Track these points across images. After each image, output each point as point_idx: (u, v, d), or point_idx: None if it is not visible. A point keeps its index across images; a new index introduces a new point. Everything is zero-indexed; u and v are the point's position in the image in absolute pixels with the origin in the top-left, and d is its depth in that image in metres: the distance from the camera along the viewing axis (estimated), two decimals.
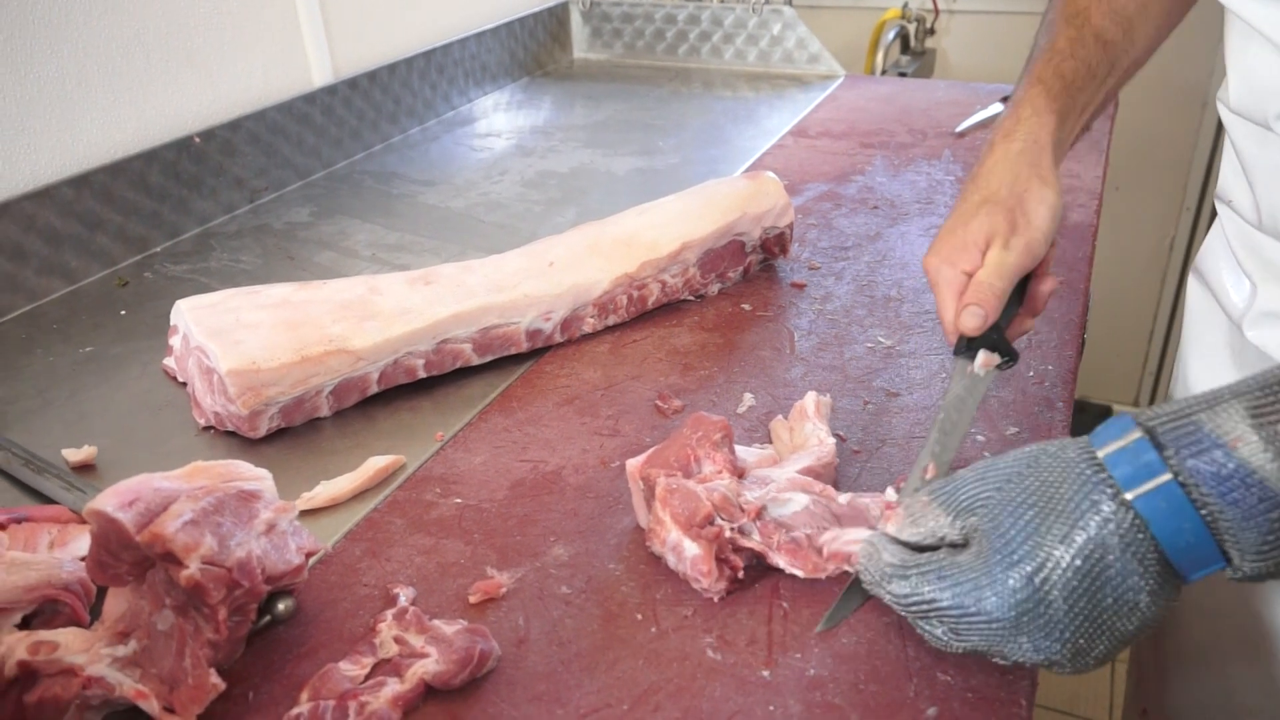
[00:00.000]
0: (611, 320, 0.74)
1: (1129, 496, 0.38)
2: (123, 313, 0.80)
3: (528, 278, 0.71)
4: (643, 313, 0.75)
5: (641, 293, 0.74)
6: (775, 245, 0.80)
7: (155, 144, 0.91)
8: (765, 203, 0.78)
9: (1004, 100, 1.19)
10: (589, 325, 0.73)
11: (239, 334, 0.62)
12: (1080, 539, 0.39)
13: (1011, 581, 0.40)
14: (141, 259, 0.89)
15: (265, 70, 1.03)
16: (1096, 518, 0.39)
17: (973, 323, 0.53)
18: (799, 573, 0.48)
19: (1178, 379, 0.74)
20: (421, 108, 1.22)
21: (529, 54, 1.41)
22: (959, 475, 0.45)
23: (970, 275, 0.55)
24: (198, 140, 0.94)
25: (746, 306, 0.77)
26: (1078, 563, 0.39)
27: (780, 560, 0.49)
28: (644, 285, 0.74)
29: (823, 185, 0.99)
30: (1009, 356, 0.54)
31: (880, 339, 0.71)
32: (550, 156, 1.11)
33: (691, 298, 0.77)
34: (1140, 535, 0.38)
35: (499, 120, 1.25)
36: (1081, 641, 0.40)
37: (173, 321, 0.68)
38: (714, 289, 0.78)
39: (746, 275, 0.80)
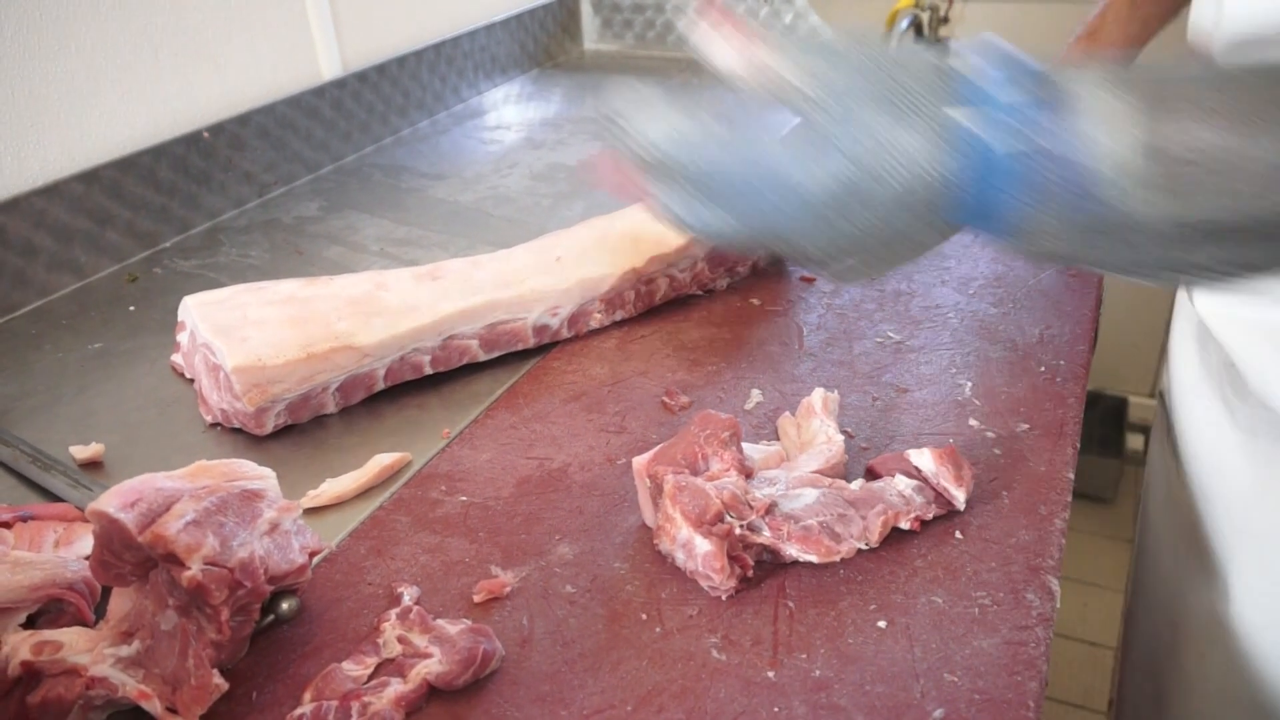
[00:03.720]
0: (619, 315, 0.73)
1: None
2: (132, 308, 0.80)
3: (535, 273, 0.71)
4: (650, 308, 0.75)
5: (649, 288, 0.74)
6: None
7: (165, 139, 0.91)
8: None
9: None
10: (596, 321, 0.72)
11: (245, 331, 0.62)
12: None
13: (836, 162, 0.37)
14: (151, 254, 0.89)
15: (274, 64, 1.02)
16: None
17: None
18: (813, 558, 0.48)
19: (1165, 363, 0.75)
20: (431, 100, 1.22)
21: (539, 45, 1.40)
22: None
23: None
24: (207, 135, 0.94)
25: (755, 301, 0.76)
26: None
27: (793, 549, 0.48)
28: (652, 280, 0.74)
29: None
30: None
31: (890, 334, 0.71)
32: (559, 149, 1.10)
33: (700, 293, 0.77)
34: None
35: (508, 112, 1.24)
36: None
37: (180, 318, 0.68)
38: (722, 283, 0.78)
39: (755, 270, 0.80)
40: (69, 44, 0.83)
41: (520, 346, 0.70)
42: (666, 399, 0.64)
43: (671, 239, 0.74)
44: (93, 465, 0.60)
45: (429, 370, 0.67)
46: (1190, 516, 0.66)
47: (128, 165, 0.87)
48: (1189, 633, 0.66)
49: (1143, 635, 0.76)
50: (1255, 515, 0.60)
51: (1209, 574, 0.63)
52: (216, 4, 0.95)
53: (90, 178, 0.84)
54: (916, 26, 1.60)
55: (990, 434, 0.59)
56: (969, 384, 0.64)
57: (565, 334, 0.71)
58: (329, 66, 1.08)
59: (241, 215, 0.97)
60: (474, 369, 0.68)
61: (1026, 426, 0.60)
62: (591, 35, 1.49)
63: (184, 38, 0.92)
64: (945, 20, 1.62)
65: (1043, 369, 0.66)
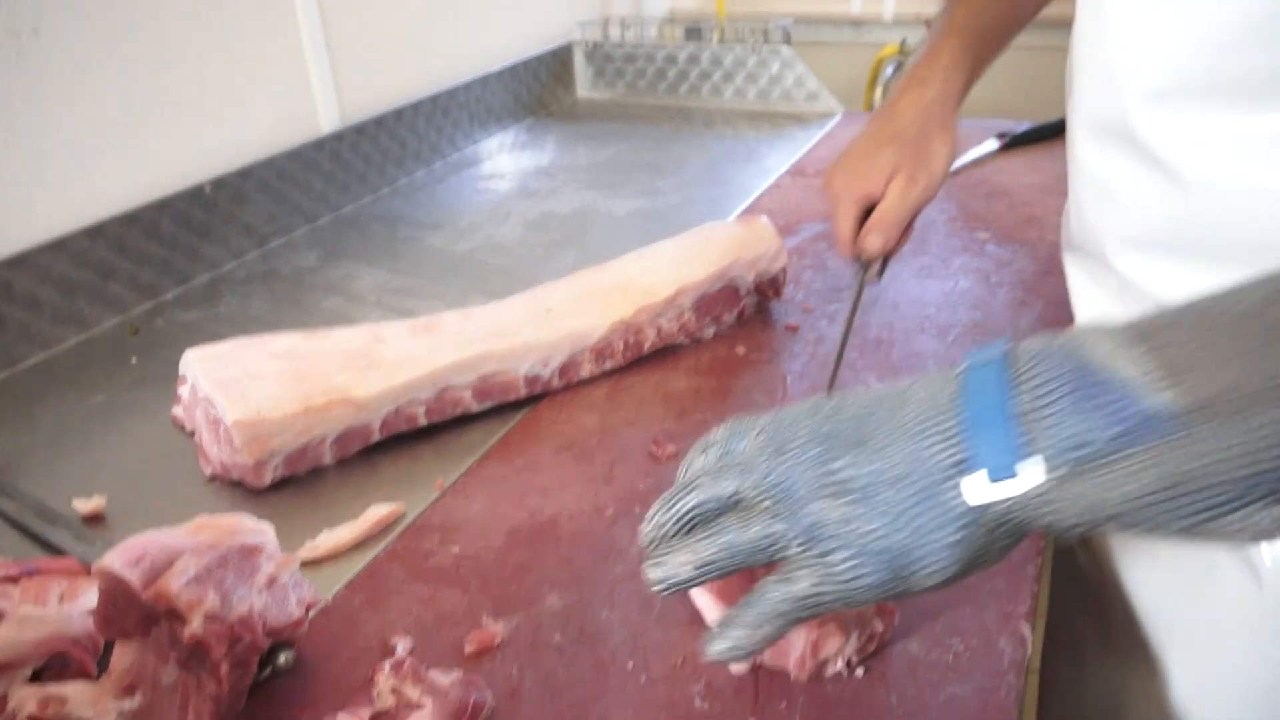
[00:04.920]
0: (608, 365, 0.75)
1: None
2: (134, 360, 0.82)
3: (527, 325, 0.73)
4: (639, 357, 0.77)
5: (638, 338, 0.76)
6: (769, 288, 0.82)
7: (168, 193, 0.93)
8: (759, 248, 0.80)
9: (1000, 137, 1.21)
10: (586, 370, 0.74)
11: (245, 385, 0.64)
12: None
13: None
14: (153, 306, 0.91)
15: (275, 118, 1.05)
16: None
17: (877, 245, 0.64)
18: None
19: None
20: (427, 150, 1.25)
21: (533, 95, 1.44)
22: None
23: (869, 201, 0.65)
24: (209, 189, 0.96)
25: (741, 350, 0.78)
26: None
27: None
28: (640, 330, 0.76)
29: (818, 225, 1.01)
30: (882, 267, 0.72)
31: (871, 382, 0.73)
32: (552, 198, 1.13)
33: (687, 341, 0.79)
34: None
35: (503, 161, 1.27)
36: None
37: (181, 371, 0.70)
38: (709, 332, 0.80)
39: (741, 318, 0.82)
40: (75, 102, 0.86)
41: (513, 397, 0.72)
42: (654, 448, 0.66)
43: (659, 290, 0.76)
44: (95, 519, 0.62)
45: (424, 421, 0.69)
46: (1116, 608, 0.65)
47: (132, 220, 0.89)
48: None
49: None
50: (1185, 609, 0.59)
51: (1139, 667, 0.62)
52: (220, 62, 0.98)
53: (96, 232, 0.86)
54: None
55: None
56: None
57: (556, 384, 0.73)
58: (328, 120, 1.11)
59: (241, 266, 0.99)
60: (467, 419, 0.70)
61: None
62: (584, 84, 1.53)
63: (188, 95, 0.95)
64: None
65: None
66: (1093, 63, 0.54)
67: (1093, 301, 0.61)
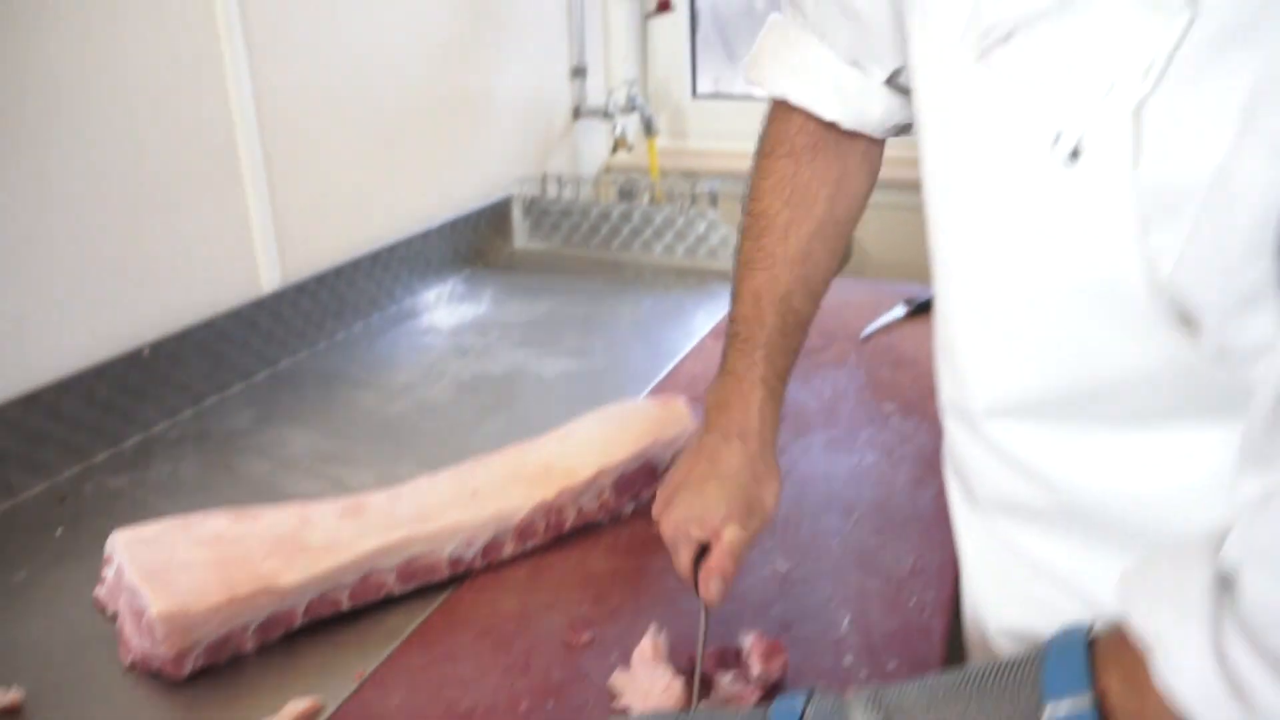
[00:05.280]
0: (530, 545, 0.79)
1: None
2: (60, 531, 0.83)
3: (452, 506, 0.76)
4: (560, 535, 0.80)
5: (559, 517, 0.80)
6: None
7: (106, 358, 0.95)
8: (675, 428, 0.85)
9: (907, 303, 1.30)
10: (509, 550, 0.78)
11: (171, 575, 0.66)
12: None
13: None
14: (82, 470, 0.92)
15: (217, 279, 1.09)
16: None
17: (716, 590, 0.63)
18: None
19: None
20: (366, 304, 1.29)
21: (472, 247, 1.50)
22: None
23: (703, 542, 0.65)
24: (147, 352, 0.99)
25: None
26: None
27: None
28: (562, 510, 0.80)
29: None
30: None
31: (779, 564, 0.77)
32: (486, 357, 1.18)
33: (606, 519, 0.83)
34: None
35: (440, 315, 1.32)
36: None
37: (108, 551, 0.72)
38: (628, 509, 0.84)
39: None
40: (14, 267, 0.88)
41: (436, 579, 0.74)
42: (570, 636, 0.69)
43: (581, 471, 0.80)
44: (11, 712, 0.62)
45: (347, 606, 0.71)
46: None
47: (68, 386, 0.91)
48: None
49: None
50: None
51: None
52: (166, 225, 1.02)
53: (30, 401, 0.88)
54: None
55: (863, 672, 0.65)
56: (846, 618, 0.70)
57: (479, 564, 0.76)
58: (269, 279, 1.15)
59: (174, 427, 1.01)
60: (389, 601, 0.73)
61: (896, 663, 0.66)
62: (522, 235, 1.60)
63: (131, 257, 0.99)
64: None
65: (914, 601, 0.72)
66: (944, 360, 0.59)
67: (967, 456, 0.62)
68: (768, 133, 0.74)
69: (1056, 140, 0.43)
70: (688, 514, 0.65)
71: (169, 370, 1.01)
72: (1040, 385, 0.51)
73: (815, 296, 0.74)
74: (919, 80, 0.57)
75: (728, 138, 1.96)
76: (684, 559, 0.65)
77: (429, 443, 0.97)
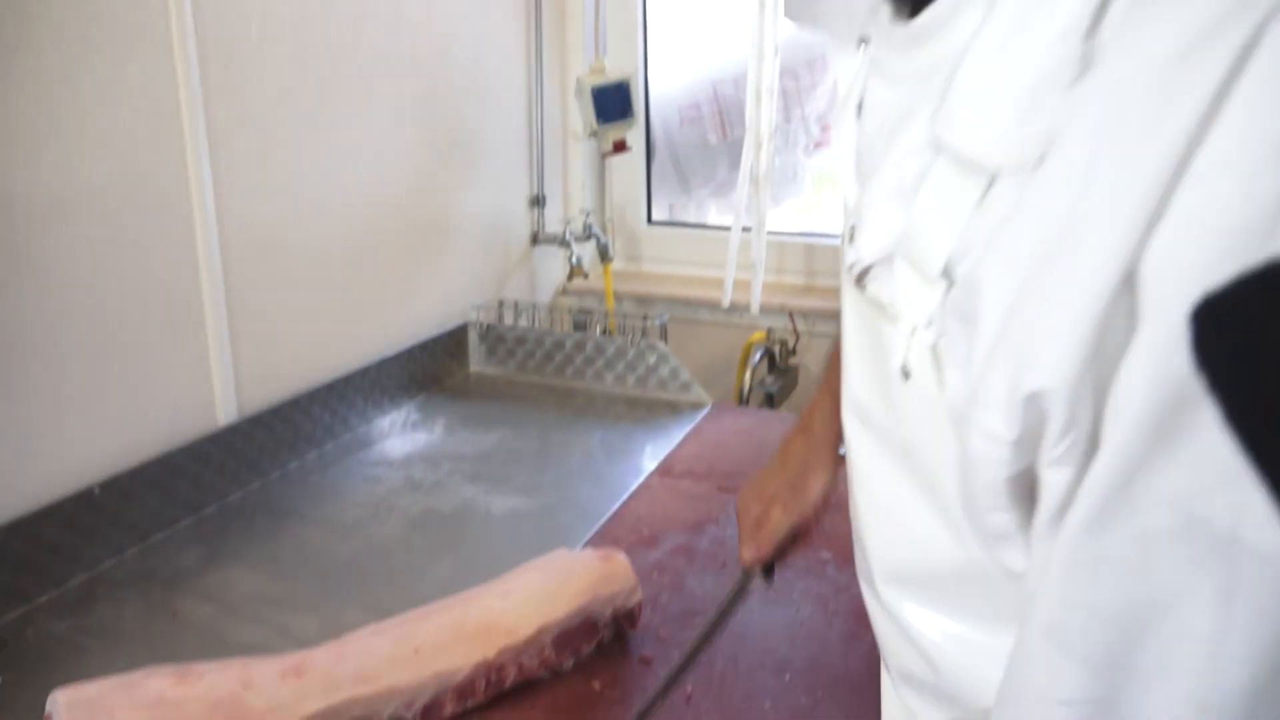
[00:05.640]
0: (470, 704, 0.80)
1: None
2: (0, 679, 0.83)
3: (393, 667, 0.78)
4: (500, 693, 0.82)
5: (500, 675, 0.81)
6: (626, 621, 0.89)
7: (57, 497, 0.96)
8: (616, 585, 0.88)
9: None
10: (449, 710, 0.79)
11: None
12: None
13: None
14: (24, 612, 0.93)
15: (173, 414, 1.11)
16: None
17: (747, 556, 0.81)
18: None
19: None
20: (321, 433, 1.31)
21: (427, 372, 1.53)
22: None
23: (758, 519, 0.81)
24: (98, 491, 1.00)
25: (596, 685, 0.84)
26: None
27: None
28: (503, 668, 0.82)
29: (679, 536, 1.10)
30: (769, 575, 0.84)
31: None
32: (436, 493, 1.20)
33: (547, 675, 0.85)
34: None
35: (393, 445, 1.34)
36: None
37: (49, 709, 0.72)
38: (568, 664, 0.86)
39: (600, 648, 0.89)
40: None
41: None
42: None
43: (521, 629, 0.83)
44: None
45: None
46: None
47: (15, 529, 0.92)
48: None
49: None
50: None
51: None
52: (124, 364, 1.04)
53: None
54: (770, 357, 1.82)
55: None
56: None
57: None
58: (225, 412, 1.17)
59: (120, 566, 1.01)
60: None
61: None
62: (477, 360, 1.64)
63: (90, 398, 1.01)
64: (793, 352, 1.85)
65: None
66: (852, 521, 0.63)
67: (875, 619, 0.64)
68: None
69: (899, 361, 0.49)
70: (749, 493, 0.83)
71: (119, 508, 1.02)
72: (914, 559, 0.56)
73: None
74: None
75: (681, 263, 2.04)
76: (740, 535, 0.82)
77: (376, 585, 0.99)
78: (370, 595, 0.97)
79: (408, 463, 1.29)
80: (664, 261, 2.05)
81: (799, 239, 1.95)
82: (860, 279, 0.53)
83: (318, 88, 1.26)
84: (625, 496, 1.20)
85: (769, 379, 1.78)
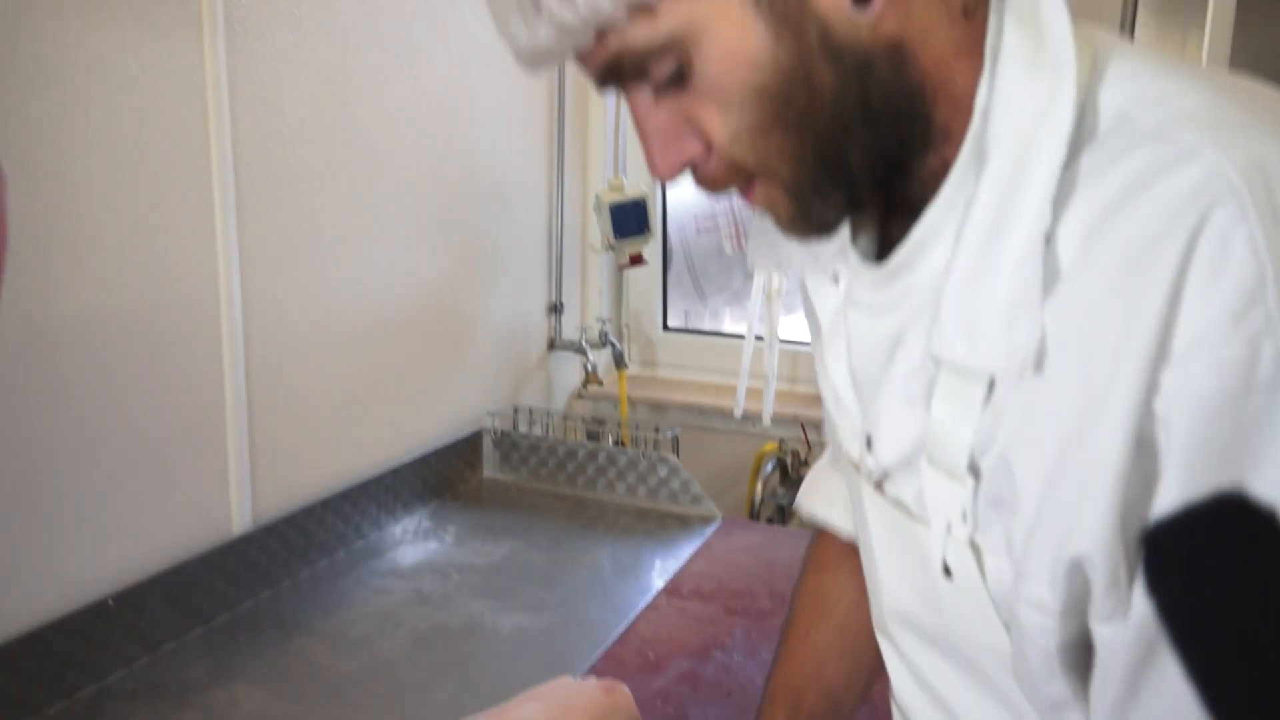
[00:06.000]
0: None
1: None
2: None
3: None
4: None
5: None
6: None
7: (71, 609, 0.98)
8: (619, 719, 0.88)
9: None
10: None
11: None
12: None
13: None
14: None
15: (189, 524, 1.13)
16: None
17: None
18: None
19: None
20: (333, 541, 1.33)
21: (441, 478, 1.55)
22: None
23: None
24: (112, 603, 1.01)
25: None
26: None
27: None
28: None
29: (685, 662, 1.10)
30: None
31: None
32: (444, 607, 1.21)
33: None
34: None
35: (404, 553, 1.36)
36: None
37: None
38: None
39: None
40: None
41: None
42: None
43: None
44: None
45: None
46: None
47: (30, 640, 0.93)
48: None
49: None
50: None
51: None
52: (145, 476, 1.06)
53: None
54: (782, 468, 1.83)
55: None
56: None
57: None
58: (240, 522, 1.19)
59: (130, 677, 1.02)
60: None
61: None
62: (491, 466, 1.66)
63: (109, 509, 1.03)
64: (805, 464, 1.86)
65: None
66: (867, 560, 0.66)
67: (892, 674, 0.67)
68: (806, 555, 0.82)
69: (938, 561, 0.51)
70: None
71: (131, 618, 1.04)
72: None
73: (832, 700, 0.76)
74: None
75: (696, 369, 2.07)
76: None
77: (379, 708, 0.99)
78: (372, 718, 0.97)
79: (418, 573, 1.30)
80: (678, 368, 2.09)
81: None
82: (880, 484, 0.57)
83: (347, 207, 1.32)
84: (632, 617, 1.20)
85: (780, 490, 1.79)
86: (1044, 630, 0.46)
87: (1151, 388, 0.40)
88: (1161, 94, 0.45)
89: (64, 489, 0.98)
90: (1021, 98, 0.46)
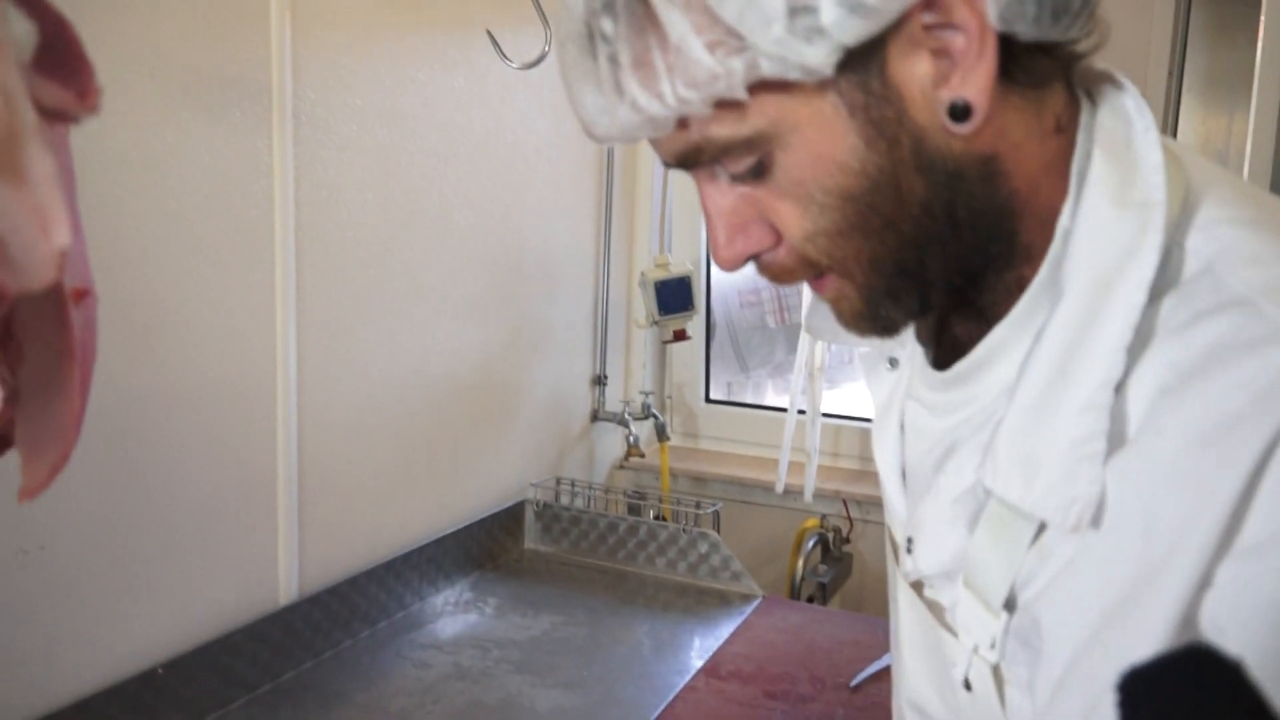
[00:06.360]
0: None
1: None
2: None
3: None
4: None
5: None
6: None
7: (122, 677, 1.00)
8: None
9: None
10: None
11: None
12: None
13: None
14: None
15: (237, 595, 1.16)
16: None
17: None
18: None
19: None
20: (375, 612, 1.34)
21: (483, 549, 1.57)
22: None
23: None
24: (162, 672, 1.04)
25: None
26: None
27: None
28: None
29: None
30: None
31: None
32: (483, 682, 1.21)
33: None
34: None
35: (444, 625, 1.37)
36: None
37: None
38: None
39: None
40: (57, 588, 0.95)
41: None
42: None
43: None
44: None
45: None
46: None
47: (80, 709, 0.96)
48: None
49: None
50: None
51: None
52: (197, 548, 1.10)
53: None
54: (823, 544, 1.81)
55: None
56: None
57: None
58: (286, 592, 1.22)
59: None
60: None
61: None
62: (532, 537, 1.67)
63: (161, 580, 1.06)
64: (847, 540, 1.84)
65: None
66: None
67: None
68: None
69: (960, 674, 0.53)
70: None
71: (179, 687, 1.06)
72: None
73: None
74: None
75: (738, 442, 2.07)
76: None
77: None
78: None
79: (458, 646, 1.31)
80: (720, 440, 2.09)
81: (855, 424, 1.97)
82: (917, 584, 0.58)
83: (401, 286, 1.36)
84: (670, 698, 1.19)
85: (822, 568, 1.77)
86: None
87: (1208, 578, 0.39)
88: (1254, 254, 0.43)
89: (124, 557, 1.01)
90: (1106, 230, 0.45)
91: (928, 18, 0.43)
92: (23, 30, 0.31)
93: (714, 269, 2.08)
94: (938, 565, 0.53)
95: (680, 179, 1.97)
